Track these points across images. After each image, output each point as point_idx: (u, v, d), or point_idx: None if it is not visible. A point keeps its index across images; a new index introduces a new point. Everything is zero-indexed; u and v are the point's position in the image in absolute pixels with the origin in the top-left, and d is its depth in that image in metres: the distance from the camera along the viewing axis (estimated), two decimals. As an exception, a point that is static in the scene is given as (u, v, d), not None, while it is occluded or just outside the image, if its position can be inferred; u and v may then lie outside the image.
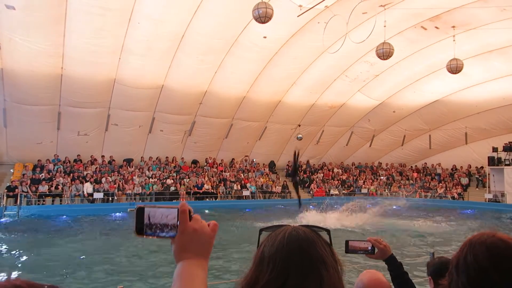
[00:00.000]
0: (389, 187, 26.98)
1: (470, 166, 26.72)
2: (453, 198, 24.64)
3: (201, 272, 0.93)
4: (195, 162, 25.55)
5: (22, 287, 0.63)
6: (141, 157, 24.02)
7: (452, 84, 21.64)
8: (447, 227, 15.95)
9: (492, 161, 24.05)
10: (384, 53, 15.53)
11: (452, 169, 27.35)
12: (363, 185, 27.01)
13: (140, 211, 1.00)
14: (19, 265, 9.66)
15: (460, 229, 15.39)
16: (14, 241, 12.52)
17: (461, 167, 26.99)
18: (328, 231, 1.10)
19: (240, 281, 1.01)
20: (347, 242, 2.17)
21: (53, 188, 19.67)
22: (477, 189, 24.78)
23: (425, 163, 28.74)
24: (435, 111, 24.56)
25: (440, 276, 2.33)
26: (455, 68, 16.85)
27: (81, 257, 10.32)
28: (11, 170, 20.42)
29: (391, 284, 2.10)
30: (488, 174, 24.28)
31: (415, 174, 27.89)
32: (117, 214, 18.56)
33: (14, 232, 13.91)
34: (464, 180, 25.80)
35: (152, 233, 0.99)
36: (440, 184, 25.85)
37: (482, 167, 25.25)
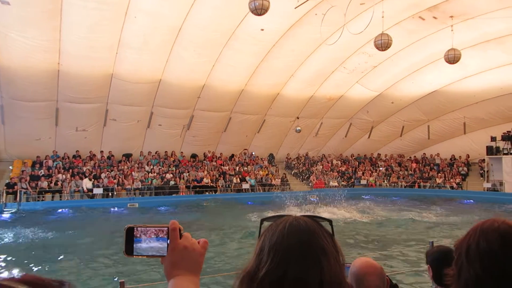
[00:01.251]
0: (388, 178, 27.06)
1: (468, 156, 26.79)
2: (451, 188, 24.74)
3: (193, 287, 0.96)
4: (194, 156, 25.56)
5: (31, 282, 0.63)
6: (140, 152, 24.01)
7: (450, 74, 21.61)
8: (446, 217, 16.04)
9: (490, 151, 24.13)
10: (382, 44, 15.45)
11: (451, 159, 27.43)
12: (362, 177, 27.09)
13: (129, 231, 0.99)
14: (24, 261, 9.69)
15: (458, 218, 15.48)
16: (16, 237, 12.54)
17: (460, 157, 27.06)
18: (330, 221, 1.09)
19: (241, 271, 1.01)
20: None
21: (52, 184, 19.69)
22: (481, 179, 24.71)
23: (424, 153, 28.81)
24: (434, 102, 24.56)
25: (440, 264, 2.33)
26: (453, 58, 16.80)
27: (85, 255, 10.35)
28: (10, 167, 20.40)
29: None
30: (487, 163, 24.36)
31: (414, 165, 27.96)
32: (115, 208, 18.58)
33: (16, 228, 13.94)
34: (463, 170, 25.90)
35: (141, 253, 0.99)
36: (439, 174, 25.93)
37: (483, 160, 25.19)
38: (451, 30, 17.51)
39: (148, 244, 0.99)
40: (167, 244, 0.98)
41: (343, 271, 1.01)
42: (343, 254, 1.03)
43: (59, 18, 15.00)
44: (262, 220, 1.10)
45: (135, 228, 1.00)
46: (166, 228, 0.99)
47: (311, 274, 0.94)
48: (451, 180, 25.15)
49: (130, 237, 0.99)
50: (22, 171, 19.74)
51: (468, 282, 1.11)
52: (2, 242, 11.93)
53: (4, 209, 17.02)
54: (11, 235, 12.92)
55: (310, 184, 25.84)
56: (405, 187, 26.00)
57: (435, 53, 19.36)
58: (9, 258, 9.88)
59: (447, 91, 23.49)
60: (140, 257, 0.99)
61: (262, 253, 0.99)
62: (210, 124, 23.96)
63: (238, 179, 24.36)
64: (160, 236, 0.99)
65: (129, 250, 0.99)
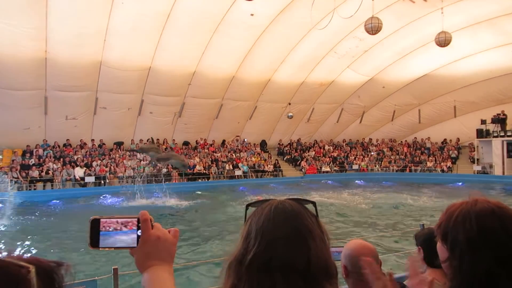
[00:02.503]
0: (380, 162, 27.26)
1: (459, 140, 27.03)
2: (442, 171, 25.01)
3: (170, 276, 0.96)
4: (186, 143, 25.50)
5: (30, 261, 0.63)
6: (132, 140, 23.88)
7: (441, 57, 21.63)
8: (436, 200, 16.25)
9: (480, 134, 24.36)
10: (373, 28, 15.39)
11: (442, 142, 27.66)
12: (354, 162, 27.26)
13: (94, 223, 0.97)
14: (22, 247, 9.69)
15: (448, 201, 15.66)
16: (10, 226, 12.52)
17: (450, 140, 27.30)
18: (314, 203, 1.11)
19: (228, 256, 1.03)
20: None
21: (43, 173, 19.57)
22: (471, 162, 24.94)
23: (415, 137, 29.00)
24: (424, 86, 24.62)
25: (432, 245, 2.34)
26: (443, 41, 16.81)
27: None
28: (0, 157, 20.20)
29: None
30: (477, 146, 24.60)
31: (405, 149, 28.17)
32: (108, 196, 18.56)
33: (8, 216, 13.89)
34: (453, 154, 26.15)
35: (108, 245, 0.97)
36: (430, 158, 26.17)
37: (473, 150, 25.32)
38: (441, 13, 17.45)
39: (115, 235, 0.97)
40: (137, 235, 0.97)
41: (329, 251, 1.03)
42: (328, 234, 1.05)
43: (44, 5, 14.71)
44: (248, 205, 1.12)
45: (100, 219, 0.97)
46: (135, 219, 0.98)
47: (298, 255, 0.96)
48: (442, 163, 25.41)
49: (96, 228, 0.96)
50: (13, 160, 19.57)
51: (474, 272, 1.05)
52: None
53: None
54: (1, 223, 12.88)
55: (303, 170, 25.96)
56: (396, 171, 26.22)
57: (425, 36, 19.36)
58: (3, 246, 9.87)
59: (438, 74, 23.55)
60: (106, 249, 0.96)
61: (249, 237, 1.00)
62: (202, 111, 23.85)
63: (231, 166, 24.40)
64: (128, 227, 0.97)
65: (94, 242, 0.96)
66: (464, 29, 19.14)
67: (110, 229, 0.97)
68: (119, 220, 0.98)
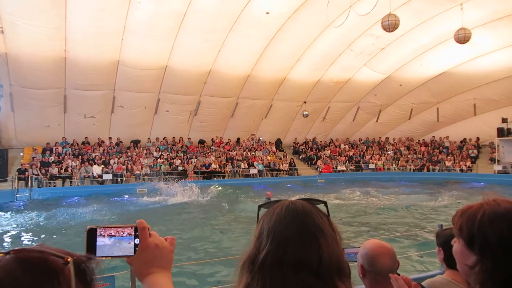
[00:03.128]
0: (397, 161, 26.91)
1: (478, 139, 26.47)
2: (461, 170, 24.52)
3: (169, 282, 0.98)
4: (202, 142, 25.66)
5: (63, 252, 0.64)
6: (148, 138, 24.16)
7: (460, 54, 21.20)
8: (455, 200, 15.96)
9: (501, 132, 23.78)
10: (390, 25, 15.16)
11: (461, 141, 27.13)
12: (370, 161, 26.97)
13: (91, 232, 0.97)
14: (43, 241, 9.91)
15: (467, 201, 15.38)
16: (30, 221, 12.82)
17: (470, 139, 26.75)
18: (325, 203, 1.12)
19: (241, 256, 1.05)
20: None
21: (62, 171, 19.98)
22: (494, 163, 24.37)
23: (433, 136, 28.51)
24: (443, 83, 24.15)
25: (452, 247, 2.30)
26: (463, 38, 16.46)
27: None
28: (21, 154, 20.71)
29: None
30: (497, 145, 24.04)
31: (423, 148, 27.73)
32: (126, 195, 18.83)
33: (29, 212, 14.24)
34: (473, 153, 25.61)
35: (105, 254, 0.97)
36: (448, 157, 25.70)
37: (494, 149, 24.75)
38: (461, 9, 17.12)
39: (112, 244, 0.97)
40: (135, 243, 0.98)
41: (341, 250, 1.03)
42: (340, 233, 1.06)
43: (63, 5, 14.98)
44: (260, 207, 1.13)
45: (97, 228, 0.98)
46: (132, 227, 0.99)
47: (310, 253, 0.97)
48: (461, 163, 24.92)
49: (93, 238, 0.97)
50: (33, 157, 20.02)
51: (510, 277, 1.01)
52: (17, 226, 12.19)
53: (17, 195, 17.33)
54: (25, 219, 13.20)
55: (318, 169, 25.82)
56: (413, 170, 25.85)
57: (444, 33, 19.00)
58: (25, 241, 10.12)
59: (457, 72, 23.07)
60: (103, 258, 0.96)
61: (262, 237, 1.02)
62: (217, 110, 23.96)
63: (246, 164, 24.44)
64: (124, 236, 0.98)
65: (91, 251, 0.96)
66: (485, 25, 18.69)
67: (107, 238, 0.98)
68: (116, 229, 0.98)
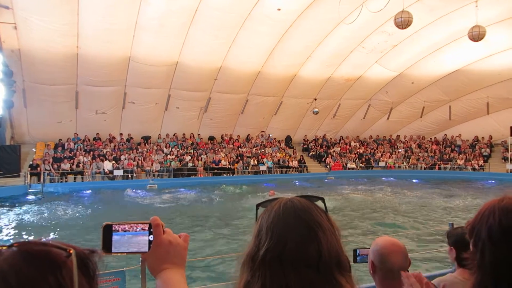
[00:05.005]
0: (408, 159, 26.67)
1: (491, 137, 26.09)
2: (473, 169, 24.21)
3: (182, 278, 1.00)
4: (211, 138, 25.73)
5: (48, 245, 0.64)
6: (159, 135, 24.29)
7: (474, 52, 20.88)
8: (466, 199, 15.78)
9: (515, 131, 23.43)
10: (403, 22, 15.00)
11: (473, 140, 26.79)
12: (381, 158, 26.77)
13: (107, 228, 0.99)
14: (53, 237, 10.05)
15: (479, 200, 15.19)
16: (42, 216, 13.00)
17: (482, 138, 26.39)
18: (322, 199, 1.13)
19: (241, 254, 1.06)
20: (355, 250, 2.14)
21: (74, 166, 20.20)
22: (506, 162, 23.99)
23: (445, 134, 28.20)
24: (456, 81, 23.86)
25: (465, 245, 2.28)
26: (477, 35, 16.21)
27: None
28: (33, 149, 20.99)
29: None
30: (510, 144, 23.69)
31: (434, 146, 27.44)
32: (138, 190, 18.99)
33: (42, 207, 14.44)
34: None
35: (121, 250, 0.99)
36: (460, 155, 25.39)
37: (506, 149, 24.37)
38: (475, 6, 16.84)
39: (128, 240, 0.99)
40: (149, 240, 0.99)
41: (340, 245, 1.04)
42: (338, 228, 1.06)
43: (76, 1, 15.10)
44: (258, 205, 1.14)
45: (113, 225, 1.00)
46: (147, 224, 1.00)
47: (310, 248, 0.98)
48: (473, 161, 24.60)
49: (108, 234, 0.99)
50: (45, 153, 20.28)
51: (495, 265, 1.06)
52: (29, 220, 12.37)
53: (29, 190, 17.58)
54: (37, 214, 13.39)
55: (328, 166, 25.72)
56: (424, 169, 25.60)
57: (458, 30, 18.73)
58: (35, 235, 10.26)
59: (470, 70, 22.75)
60: (119, 254, 0.98)
61: (261, 234, 1.03)
62: (227, 106, 23.98)
63: (256, 161, 24.44)
64: (139, 232, 1.00)
65: (107, 247, 0.98)
66: (499, 23, 18.37)
67: (122, 234, 0.99)
68: (131, 225, 1.00)
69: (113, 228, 0.99)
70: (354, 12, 16.80)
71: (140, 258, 1.00)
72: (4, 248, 0.61)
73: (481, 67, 22.24)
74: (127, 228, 1.00)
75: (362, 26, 18.37)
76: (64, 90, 19.71)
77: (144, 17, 16.45)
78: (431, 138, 28.74)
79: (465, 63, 22.50)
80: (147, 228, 1.00)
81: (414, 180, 22.32)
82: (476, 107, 25.51)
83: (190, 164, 22.61)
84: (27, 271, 0.58)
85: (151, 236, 1.00)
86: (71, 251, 0.64)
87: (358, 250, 2.17)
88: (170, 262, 1.00)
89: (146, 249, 0.99)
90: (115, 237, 0.99)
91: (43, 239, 0.65)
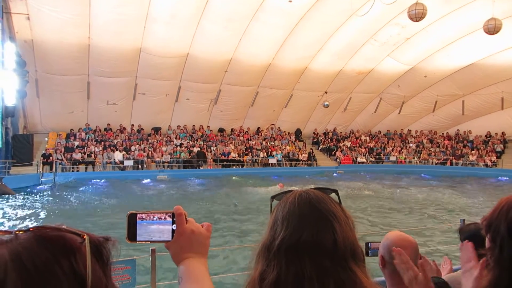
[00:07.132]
0: (419, 154, 26.41)
1: (504, 133, 25.68)
2: (485, 165, 23.89)
3: (205, 268, 1.01)
4: (221, 130, 25.77)
5: (63, 230, 0.65)
6: (169, 126, 24.41)
7: (489, 46, 20.45)
8: (477, 195, 15.59)
9: (529, 127, 23.02)
10: (417, 14, 14.76)
11: (486, 136, 26.39)
12: (391, 153, 26.55)
13: (131, 217, 1.00)
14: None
15: (491, 196, 15.01)
16: (55, 204, 13.20)
17: (496, 133, 25.99)
18: (336, 191, 1.15)
19: (257, 245, 1.08)
20: (367, 244, 2.13)
21: (85, 156, 20.43)
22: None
23: (458, 129, 27.82)
24: (470, 75, 23.44)
25: (476, 241, 2.24)
26: (493, 28, 15.88)
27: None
28: (46, 139, 21.26)
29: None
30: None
31: (446, 141, 27.11)
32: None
33: (54, 196, 14.66)
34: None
35: (146, 238, 1.00)
36: (473, 151, 25.06)
37: None
38: (491, -2, 16.47)
39: (151, 229, 1.00)
40: (172, 229, 1.01)
41: (354, 235, 1.05)
42: (352, 219, 1.08)
43: (88, -8, 15.17)
44: (272, 197, 1.16)
45: (137, 214, 1.01)
46: (170, 213, 1.01)
47: (325, 237, 0.99)
48: (486, 157, 24.26)
49: (133, 223, 1.00)
50: (57, 142, 20.53)
51: None
52: (42, 209, 12.57)
53: (42, 179, 17.83)
54: (49, 202, 13.60)
55: (337, 160, 25.61)
56: (436, 164, 25.33)
57: (473, 23, 18.35)
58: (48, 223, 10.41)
59: (485, 64, 22.33)
60: (143, 242, 1.00)
61: (276, 224, 1.05)
62: (237, 99, 23.96)
63: (265, 154, 24.44)
64: (163, 221, 1.01)
65: (132, 236, 1.00)
66: (516, 15, 17.97)
67: (146, 224, 1.01)
68: (155, 214, 1.01)
69: (138, 217, 1.01)
70: (367, 4, 16.58)
71: (151, 248, 1.00)
72: (20, 232, 0.62)
73: (496, 61, 21.82)
74: (151, 217, 1.01)
75: (374, 18, 18.14)
76: (76, 81, 19.89)
77: (155, 8, 16.46)
78: (443, 133, 28.40)
79: (480, 57, 22.08)
80: (170, 217, 1.01)
81: (423, 175, 22.11)
82: (490, 102, 25.08)
83: (196, 149, 22.69)
84: (41, 254, 0.59)
85: (174, 225, 1.01)
86: (85, 237, 0.65)
87: (370, 243, 2.15)
88: (192, 251, 1.01)
89: (169, 238, 1.01)
90: (139, 226, 1.00)
91: (59, 225, 0.66)
